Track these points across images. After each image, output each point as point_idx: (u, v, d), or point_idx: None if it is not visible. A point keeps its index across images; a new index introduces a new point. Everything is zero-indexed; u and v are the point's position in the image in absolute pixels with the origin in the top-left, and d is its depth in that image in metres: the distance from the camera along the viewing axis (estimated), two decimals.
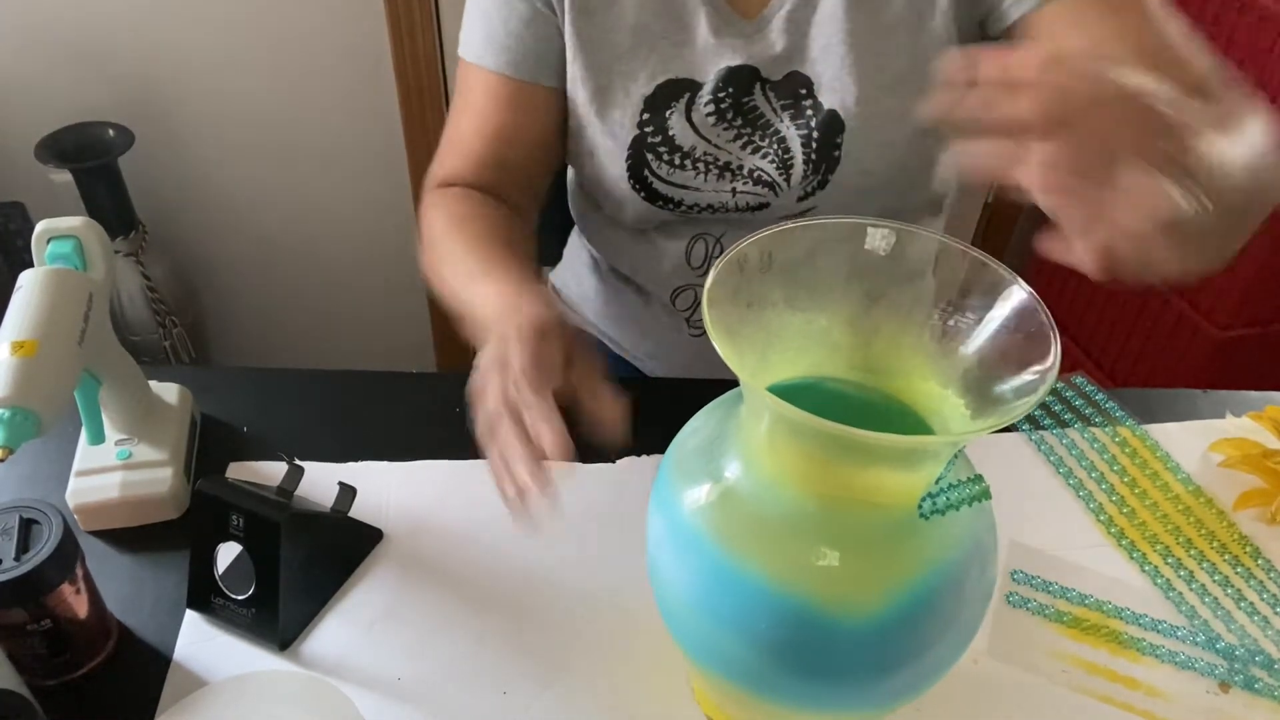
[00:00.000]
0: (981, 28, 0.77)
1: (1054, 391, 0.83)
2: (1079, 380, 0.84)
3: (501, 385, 0.55)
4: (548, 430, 0.52)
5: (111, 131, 1.50)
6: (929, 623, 0.46)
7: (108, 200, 1.52)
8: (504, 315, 0.60)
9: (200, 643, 0.63)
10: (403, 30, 1.52)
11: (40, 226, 0.64)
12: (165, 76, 1.56)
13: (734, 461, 0.48)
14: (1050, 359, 0.42)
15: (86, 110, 1.53)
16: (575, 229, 1.00)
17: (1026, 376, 0.43)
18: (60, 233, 0.64)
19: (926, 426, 0.49)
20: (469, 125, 0.83)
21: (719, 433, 0.50)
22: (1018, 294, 0.45)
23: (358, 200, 1.73)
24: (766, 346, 0.49)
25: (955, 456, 0.46)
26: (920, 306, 0.49)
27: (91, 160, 1.47)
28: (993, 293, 0.46)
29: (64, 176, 1.49)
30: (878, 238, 0.48)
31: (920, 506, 0.45)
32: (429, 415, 0.80)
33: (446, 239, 0.78)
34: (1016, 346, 0.44)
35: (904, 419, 0.50)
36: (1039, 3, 0.70)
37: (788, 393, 0.40)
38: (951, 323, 0.47)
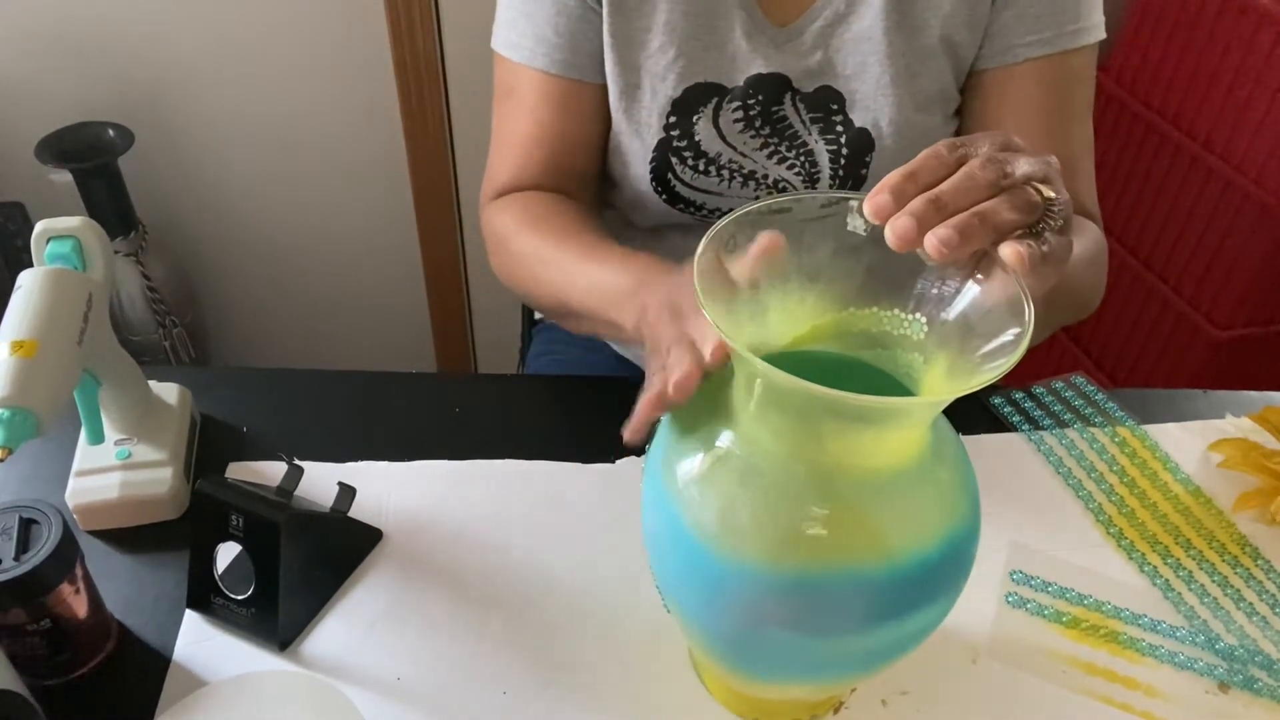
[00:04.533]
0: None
1: (1054, 392, 0.83)
2: (1079, 380, 0.84)
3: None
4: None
5: (111, 131, 1.50)
6: (918, 581, 0.47)
7: (108, 200, 1.52)
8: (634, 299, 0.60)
9: (200, 643, 0.63)
10: (403, 30, 1.52)
11: (40, 226, 0.64)
12: (165, 76, 1.56)
13: (723, 434, 0.49)
14: (1025, 322, 0.43)
15: (86, 110, 1.53)
16: None
17: (1003, 340, 0.44)
18: (60, 233, 0.64)
19: (909, 393, 0.51)
20: (523, 129, 0.81)
21: (707, 408, 0.51)
22: (993, 263, 0.47)
23: (358, 200, 1.73)
24: (756, 318, 0.50)
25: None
26: (904, 278, 0.50)
27: (91, 160, 1.47)
28: (970, 263, 0.47)
29: (64, 176, 1.49)
30: (859, 214, 0.50)
31: None
32: (429, 415, 0.80)
33: (528, 236, 0.77)
34: (993, 313, 0.46)
35: (890, 386, 0.51)
36: (1005, 64, 0.76)
37: (776, 363, 0.42)
38: (934, 291, 0.49)
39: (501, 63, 0.81)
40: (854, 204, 0.49)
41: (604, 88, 0.80)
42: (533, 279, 0.77)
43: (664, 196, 0.81)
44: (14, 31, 1.50)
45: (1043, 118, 0.77)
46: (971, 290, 0.47)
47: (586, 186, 0.85)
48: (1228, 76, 1.46)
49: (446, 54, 1.56)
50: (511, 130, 0.82)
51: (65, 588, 0.58)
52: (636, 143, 0.79)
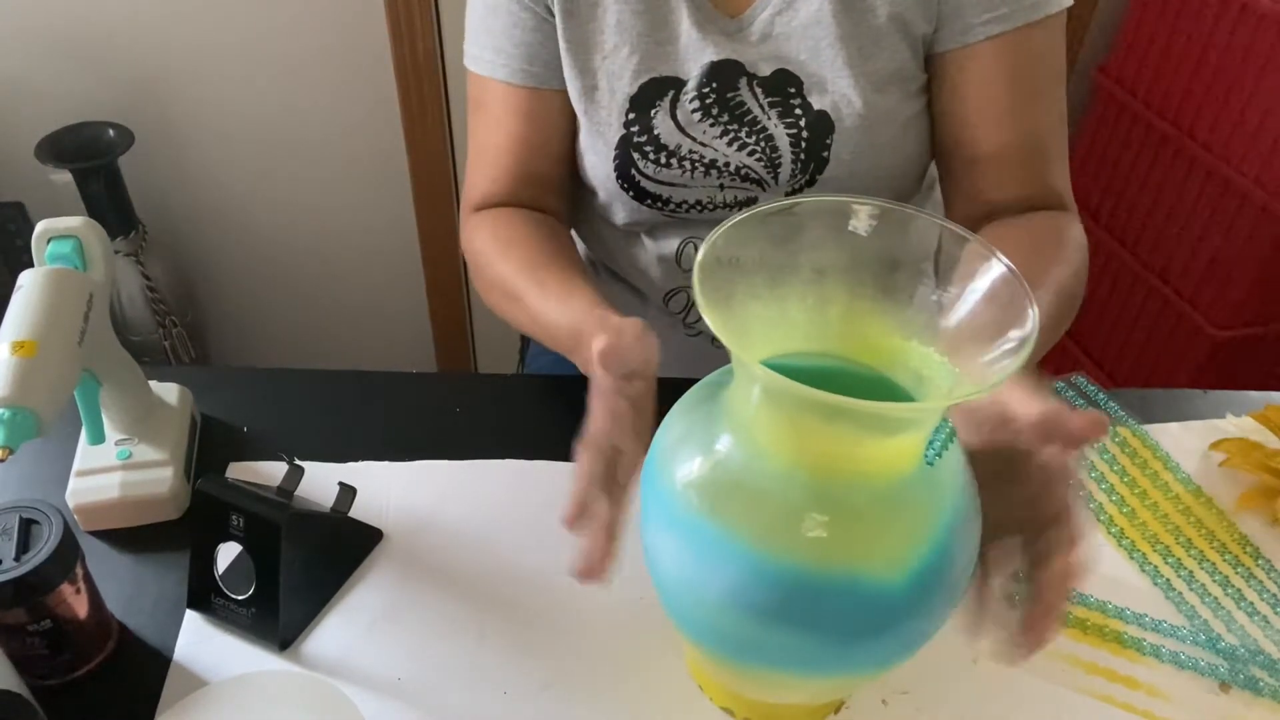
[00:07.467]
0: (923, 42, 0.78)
1: (1054, 391, 0.83)
2: (1079, 380, 0.84)
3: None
4: (596, 540, 0.51)
5: (111, 131, 1.50)
6: (918, 587, 0.47)
7: (108, 200, 1.52)
8: (581, 348, 0.62)
9: (200, 643, 0.63)
10: (403, 30, 1.52)
11: (40, 226, 0.64)
12: (165, 76, 1.56)
13: (722, 437, 0.49)
14: (1029, 325, 0.43)
15: (86, 110, 1.53)
16: (572, 232, 1.01)
17: (1007, 345, 0.44)
18: (60, 233, 0.64)
19: (909, 398, 0.50)
20: (492, 140, 0.83)
21: (706, 411, 0.51)
22: (996, 266, 0.46)
23: (358, 200, 1.73)
24: (755, 324, 0.50)
25: (944, 429, 0.48)
26: (904, 282, 0.50)
27: (91, 160, 1.47)
28: (972, 266, 0.47)
29: (64, 176, 1.49)
30: (862, 216, 0.49)
31: (926, 455, 0.47)
32: (429, 415, 0.80)
33: (498, 263, 0.79)
34: (996, 317, 0.46)
35: (888, 391, 0.51)
36: (964, 44, 0.75)
37: (775, 368, 0.42)
38: (934, 297, 0.49)
39: (470, 76, 0.83)
40: (857, 208, 0.49)
41: (566, 94, 0.81)
42: (503, 310, 0.80)
43: (631, 193, 0.82)
44: (14, 31, 1.50)
45: (1006, 98, 0.76)
46: (974, 295, 0.47)
47: (559, 192, 0.86)
48: (1228, 76, 1.46)
49: (446, 54, 1.57)
50: (483, 142, 0.84)
51: (65, 588, 0.58)
52: (600, 142, 0.81)
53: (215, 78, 1.57)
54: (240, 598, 0.63)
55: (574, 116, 0.83)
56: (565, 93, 0.81)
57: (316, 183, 1.70)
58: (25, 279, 0.61)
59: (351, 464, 0.75)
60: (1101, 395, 0.82)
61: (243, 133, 1.63)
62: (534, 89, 0.81)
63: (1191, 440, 0.79)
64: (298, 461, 0.65)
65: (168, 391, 0.76)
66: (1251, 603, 0.67)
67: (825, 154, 0.78)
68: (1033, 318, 0.44)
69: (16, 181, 1.60)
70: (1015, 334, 0.44)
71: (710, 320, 0.43)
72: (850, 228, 0.50)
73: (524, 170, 0.83)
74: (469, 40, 0.82)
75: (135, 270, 1.58)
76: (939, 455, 0.48)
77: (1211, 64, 1.48)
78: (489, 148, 0.84)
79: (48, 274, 0.62)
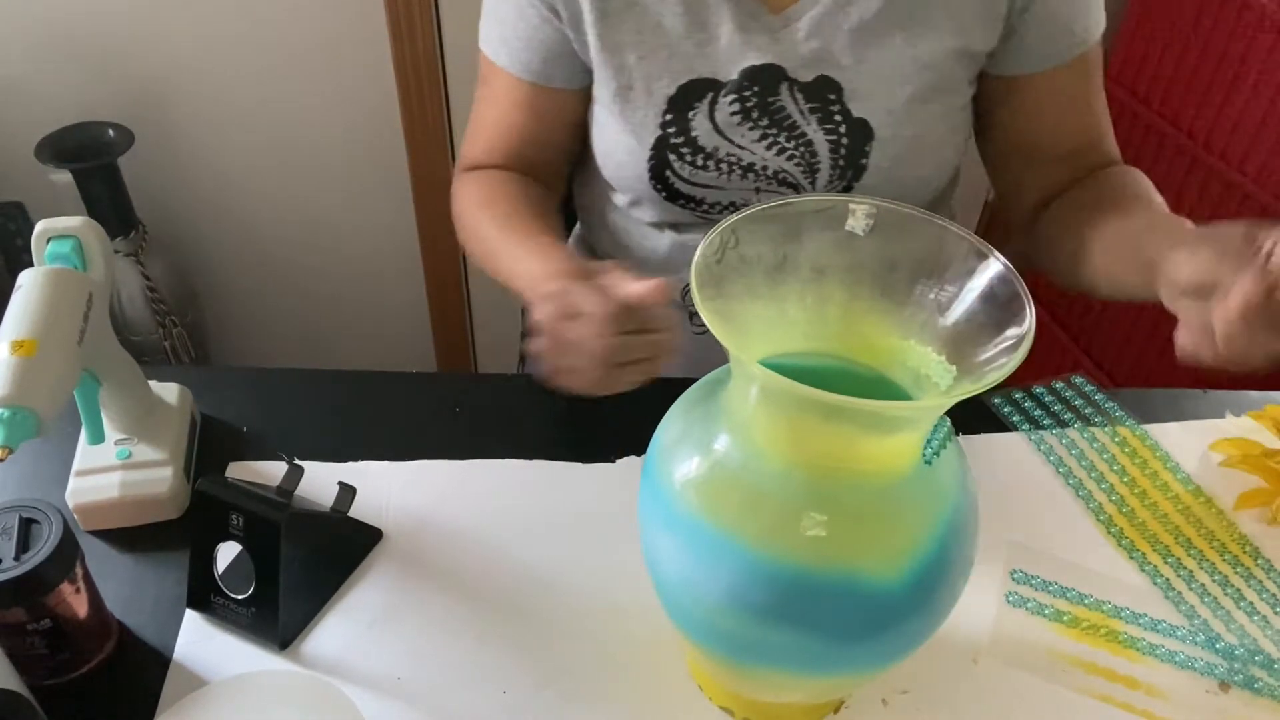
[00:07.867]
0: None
1: (1054, 392, 0.83)
2: (1079, 380, 0.84)
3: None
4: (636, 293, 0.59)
5: (111, 131, 1.50)
6: (916, 586, 0.47)
7: (108, 200, 1.52)
8: (539, 287, 0.66)
9: (200, 642, 0.63)
10: (403, 30, 1.52)
11: (40, 226, 0.64)
12: (165, 76, 1.56)
13: (720, 436, 0.49)
14: (1026, 324, 0.43)
15: (86, 110, 1.53)
16: (578, 225, 1.00)
17: (1004, 343, 0.44)
18: (60, 232, 0.64)
19: (908, 397, 0.50)
20: (491, 116, 0.86)
21: (704, 410, 0.51)
22: (994, 265, 0.47)
23: (358, 200, 1.73)
24: (754, 323, 0.50)
25: (942, 428, 0.48)
26: (902, 281, 0.50)
27: (91, 160, 1.46)
28: (970, 265, 0.48)
29: (64, 176, 1.49)
30: (861, 216, 0.50)
31: (924, 454, 0.48)
32: (429, 415, 0.80)
33: (478, 216, 0.83)
34: (994, 316, 0.46)
35: (887, 390, 0.51)
36: (1035, 71, 0.79)
37: (773, 367, 0.42)
38: (932, 296, 0.49)
39: (481, 54, 0.85)
40: (854, 208, 0.49)
41: (567, 92, 0.83)
42: (475, 254, 0.85)
43: (664, 194, 0.82)
44: (14, 31, 1.50)
45: (1072, 105, 0.82)
46: (972, 294, 0.47)
47: (551, 169, 0.89)
48: (1228, 76, 1.46)
49: (446, 54, 1.56)
50: (483, 116, 0.87)
51: (65, 587, 0.58)
52: (634, 142, 0.80)
53: (215, 78, 1.57)
54: (240, 597, 0.63)
55: (578, 111, 0.84)
56: (567, 91, 0.82)
57: (317, 183, 1.70)
58: (25, 279, 0.61)
59: (351, 464, 0.75)
60: (1101, 395, 0.82)
61: (243, 133, 1.63)
62: (535, 85, 0.81)
63: (1191, 440, 0.79)
64: (298, 461, 0.65)
65: (168, 391, 0.76)
66: (1251, 602, 0.67)
67: (864, 161, 0.78)
68: (1029, 316, 0.44)
69: (16, 181, 1.60)
70: (1013, 332, 0.44)
71: (707, 318, 0.43)
72: (849, 228, 0.50)
73: (518, 152, 0.86)
74: (483, 18, 0.83)
75: (135, 270, 1.58)
76: (937, 454, 0.48)
77: (1211, 64, 1.48)
78: (488, 124, 0.86)
79: (47, 274, 0.62)
